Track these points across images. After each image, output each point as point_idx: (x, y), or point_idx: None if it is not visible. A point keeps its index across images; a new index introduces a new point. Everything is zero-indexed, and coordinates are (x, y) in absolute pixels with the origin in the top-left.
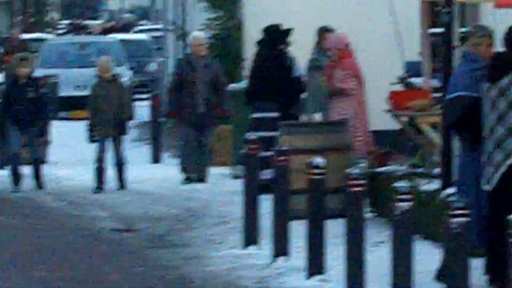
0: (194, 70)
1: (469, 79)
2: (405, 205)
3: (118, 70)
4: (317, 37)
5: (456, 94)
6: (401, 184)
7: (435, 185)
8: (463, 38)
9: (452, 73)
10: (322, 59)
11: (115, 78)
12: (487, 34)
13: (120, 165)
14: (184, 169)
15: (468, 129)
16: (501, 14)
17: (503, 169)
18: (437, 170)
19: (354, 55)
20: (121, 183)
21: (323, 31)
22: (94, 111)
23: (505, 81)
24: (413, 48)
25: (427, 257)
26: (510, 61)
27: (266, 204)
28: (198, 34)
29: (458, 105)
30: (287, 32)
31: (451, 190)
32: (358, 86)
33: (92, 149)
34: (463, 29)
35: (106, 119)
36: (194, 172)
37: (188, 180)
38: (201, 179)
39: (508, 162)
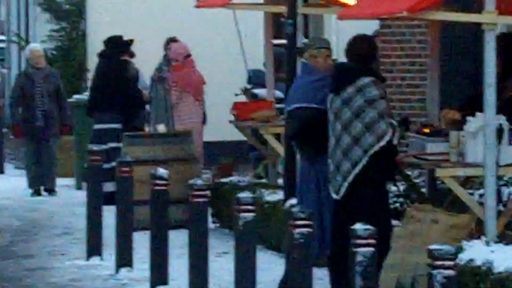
0: (33, 83)
1: (308, 90)
2: (248, 215)
3: None
4: (164, 47)
5: (295, 105)
6: (244, 195)
7: (278, 195)
8: (300, 50)
9: (292, 85)
10: (165, 69)
11: None
12: (325, 46)
13: None
14: (31, 184)
15: (308, 140)
16: (344, 25)
17: (350, 178)
18: (280, 181)
19: (192, 66)
20: None
21: (169, 42)
22: None
23: (348, 91)
24: (258, 59)
25: (271, 267)
26: (353, 72)
27: (110, 215)
28: (34, 46)
29: (298, 117)
30: (129, 43)
31: (293, 201)
32: (186, 99)
33: None
34: (305, 40)
35: None
36: (41, 184)
37: (36, 193)
38: (49, 190)
39: (355, 171)
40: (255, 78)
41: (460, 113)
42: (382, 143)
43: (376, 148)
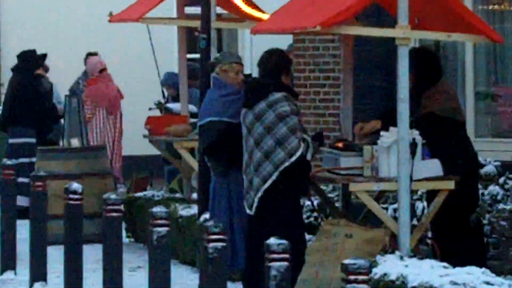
0: None
1: (219, 104)
2: (162, 230)
3: None
4: (84, 62)
5: (207, 119)
6: (158, 209)
7: (192, 210)
8: (212, 65)
9: (203, 100)
10: (82, 83)
11: None
12: (236, 60)
13: None
14: None
15: (221, 154)
16: (258, 40)
17: (260, 193)
18: (194, 195)
19: (109, 80)
20: None
21: (88, 56)
22: None
23: (260, 106)
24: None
25: (185, 281)
26: (265, 87)
27: (23, 229)
28: None
29: (210, 131)
30: (43, 57)
31: (207, 215)
32: (99, 114)
33: None
34: (217, 55)
35: None
36: None
37: None
38: None
39: (265, 186)
40: (168, 79)
41: (379, 122)
42: (294, 158)
43: (287, 163)
